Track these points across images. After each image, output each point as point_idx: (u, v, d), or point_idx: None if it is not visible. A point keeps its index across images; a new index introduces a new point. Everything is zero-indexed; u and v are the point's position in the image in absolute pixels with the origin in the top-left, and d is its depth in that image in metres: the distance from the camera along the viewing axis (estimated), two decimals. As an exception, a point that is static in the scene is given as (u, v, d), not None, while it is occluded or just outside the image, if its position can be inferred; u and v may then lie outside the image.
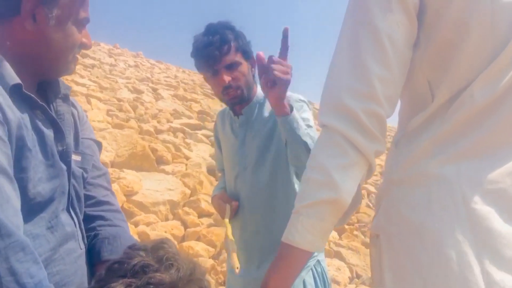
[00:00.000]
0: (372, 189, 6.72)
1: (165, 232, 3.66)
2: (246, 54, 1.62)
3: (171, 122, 7.12)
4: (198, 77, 15.53)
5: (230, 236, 1.57)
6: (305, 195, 0.84)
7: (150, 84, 10.37)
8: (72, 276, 0.96)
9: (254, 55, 1.59)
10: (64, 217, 0.98)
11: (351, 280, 4.15)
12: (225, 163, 1.81)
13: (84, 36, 1.02)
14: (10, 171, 0.81)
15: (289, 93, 1.57)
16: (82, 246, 1.02)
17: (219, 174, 1.98)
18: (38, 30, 0.93)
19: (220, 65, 1.56)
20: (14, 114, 0.86)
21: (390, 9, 0.79)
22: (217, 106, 9.87)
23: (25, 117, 0.90)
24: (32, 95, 0.93)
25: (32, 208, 0.89)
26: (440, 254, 0.76)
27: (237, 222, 1.70)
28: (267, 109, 1.65)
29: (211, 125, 7.50)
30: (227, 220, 1.63)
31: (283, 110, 1.37)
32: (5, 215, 0.76)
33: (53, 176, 0.94)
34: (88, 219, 1.08)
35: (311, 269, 1.57)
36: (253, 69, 1.66)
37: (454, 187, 0.78)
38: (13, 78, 0.90)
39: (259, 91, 1.69)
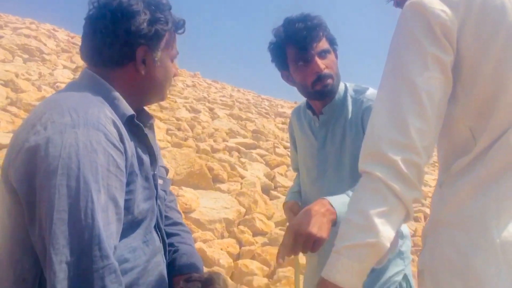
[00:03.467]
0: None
1: (221, 249, 3.76)
2: (334, 43, 1.56)
3: (227, 141, 7.30)
4: (252, 96, 15.79)
5: (298, 259, 1.48)
6: (346, 237, 0.89)
7: (207, 104, 10.68)
8: (159, 287, 1.07)
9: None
10: (154, 233, 1.10)
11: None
12: (301, 165, 1.74)
13: (174, 67, 1.16)
14: (119, 198, 0.93)
15: (371, 92, 1.53)
16: (164, 260, 1.14)
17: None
18: (148, 72, 1.08)
19: (314, 51, 1.48)
20: (129, 144, 1.00)
21: (427, 67, 0.86)
22: (271, 125, 9.99)
23: (132, 145, 1.03)
24: (141, 125, 1.07)
25: (133, 224, 1.02)
26: None
27: None
28: (349, 106, 1.56)
29: (265, 144, 7.60)
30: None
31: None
32: (106, 236, 0.87)
33: (148, 197, 1.06)
34: (167, 236, 1.20)
35: (397, 286, 1.50)
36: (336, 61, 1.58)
37: (492, 231, 0.82)
38: (128, 109, 1.04)
39: (340, 87, 1.59)
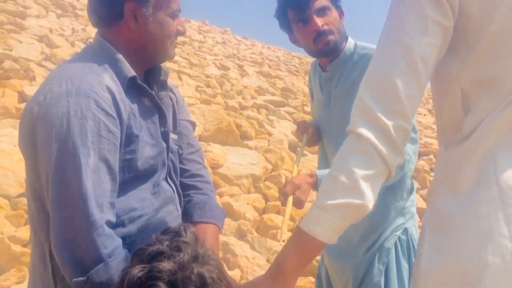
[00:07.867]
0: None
1: (247, 204, 3.88)
2: (335, 0, 1.56)
3: (255, 98, 7.32)
4: (283, 53, 15.57)
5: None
6: (332, 195, 0.92)
7: (236, 61, 10.64)
8: None
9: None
10: (165, 184, 1.17)
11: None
12: (316, 116, 1.81)
13: (179, 24, 1.16)
14: (112, 160, 1.01)
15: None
16: (179, 209, 1.22)
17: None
18: (140, 28, 1.10)
19: (311, 10, 1.49)
20: (125, 106, 1.05)
21: (426, 32, 0.86)
22: (300, 83, 9.91)
23: (134, 107, 1.09)
24: (144, 85, 1.11)
25: (140, 179, 1.10)
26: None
27: None
28: (356, 65, 1.57)
29: (294, 102, 7.59)
30: (295, 168, 1.63)
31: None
32: (96, 195, 0.95)
33: (156, 153, 1.13)
34: (183, 188, 1.27)
35: (396, 239, 1.56)
36: (342, 19, 1.58)
37: (491, 182, 0.84)
38: (130, 71, 1.09)
39: (348, 45, 1.60)
